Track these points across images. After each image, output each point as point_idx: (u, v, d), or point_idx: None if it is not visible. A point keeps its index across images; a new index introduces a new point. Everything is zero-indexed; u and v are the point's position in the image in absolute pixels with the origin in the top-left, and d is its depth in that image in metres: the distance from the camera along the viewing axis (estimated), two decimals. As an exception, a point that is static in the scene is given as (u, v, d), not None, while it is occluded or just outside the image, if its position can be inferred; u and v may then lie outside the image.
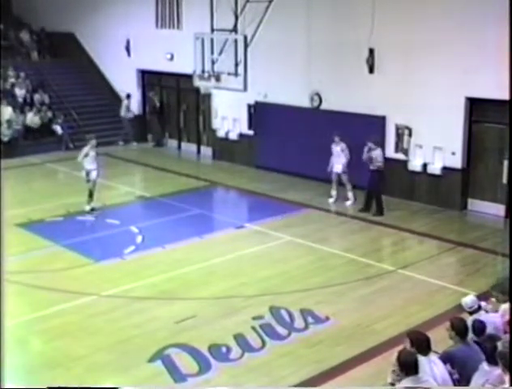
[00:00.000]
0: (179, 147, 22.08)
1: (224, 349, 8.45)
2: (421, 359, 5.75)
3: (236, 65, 14.51)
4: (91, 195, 14.53)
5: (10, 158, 19.81)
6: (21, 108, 21.68)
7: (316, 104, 17.14)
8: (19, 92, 22.26)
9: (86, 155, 14.52)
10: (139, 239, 12.69)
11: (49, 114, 21.88)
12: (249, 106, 18.79)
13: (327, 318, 9.36)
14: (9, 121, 20.77)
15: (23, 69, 23.26)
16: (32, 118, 21.43)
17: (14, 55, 24.22)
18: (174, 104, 22.05)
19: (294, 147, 17.56)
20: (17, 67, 23.16)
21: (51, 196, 16.10)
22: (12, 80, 22.59)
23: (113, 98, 23.78)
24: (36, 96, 22.35)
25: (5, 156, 19.78)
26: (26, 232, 13.34)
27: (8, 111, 21.11)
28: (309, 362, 8.18)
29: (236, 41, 14.54)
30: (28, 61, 24.29)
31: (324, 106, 16.97)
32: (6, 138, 20.40)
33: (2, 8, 22.26)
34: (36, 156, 20.17)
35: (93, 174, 14.52)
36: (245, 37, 14.42)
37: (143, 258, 11.85)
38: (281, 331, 9.02)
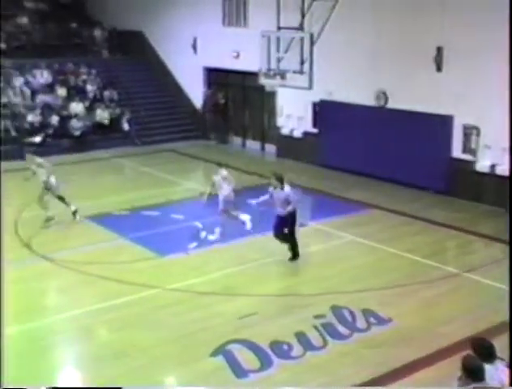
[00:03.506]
0: (243, 144, 22.27)
1: (285, 347, 8.48)
2: (487, 366, 5.64)
3: (302, 63, 14.50)
4: (62, 200, 13.91)
5: (80, 152, 20.52)
6: (91, 104, 22.35)
7: (382, 102, 16.97)
8: (90, 89, 22.96)
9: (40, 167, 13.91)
10: (203, 234, 12.88)
11: (118, 111, 22.47)
12: (314, 104, 18.77)
13: (390, 320, 9.27)
14: (79, 117, 21.47)
15: (95, 66, 23.98)
16: (101, 114, 22.06)
17: (87, 53, 24.97)
18: (239, 101, 22.24)
19: (358, 145, 17.44)
20: (89, 64, 23.90)
21: (118, 190, 16.52)
22: (84, 77, 23.33)
23: (179, 95, 24.19)
24: (106, 93, 23.00)
25: (75, 151, 20.53)
26: (94, 224, 13.76)
27: (79, 107, 21.82)
28: (371, 363, 8.14)
29: (302, 39, 14.54)
30: (99, 59, 25.00)
31: (390, 105, 16.78)
32: (77, 133, 21.10)
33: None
34: (104, 151, 20.75)
35: (52, 180, 13.77)
36: (311, 35, 14.41)
37: (207, 253, 12.03)
38: (343, 330, 9.00)
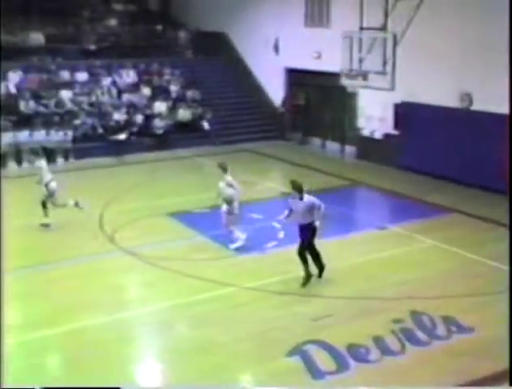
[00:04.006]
0: (323, 145, 22.19)
1: (362, 350, 8.43)
2: None
3: (384, 64, 14.35)
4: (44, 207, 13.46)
5: (162, 150, 21.03)
6: (174, 103, 22.88)
7: (465, 104, 16.51)
8: (174, 89, 23.52)
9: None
10: (281, 234, 12.92)
11: (199, 110, 22.90)
12: (396, 105, 18.48)
13: (471, 329, 9.02)
14: (162, 116, 22.03)
15: (178, 66, 24.55)
16: (184, 114, 22.54)
17: (171, 54, 25.58)
18: (319, 102, 22.19)
19: (440, 148, 17.05)
20: (173, 65, 24.50)
21: (198, 188, 16.78)
22: (168, 77, 23.94)
23: (260, 96, 24.38)
24: (189, 93, 23.50)
25: (157, 149, 21.07)
26: (175, 221, 14.08)
27: (163, 106, 22.40)
28: (450, 372, 7.95)
29: (384, 40, 14.38)
30: (183, 60, 25.56)
31: (474, 106, 16.30)
32: (159, 131, 21.67)
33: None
34: (184, 150, 21.17)
35: (53, 185, 13.46)
36: (395, 36, 14.23)
37: (284, 253, 12.02)
38: (422, 337, 8.83)
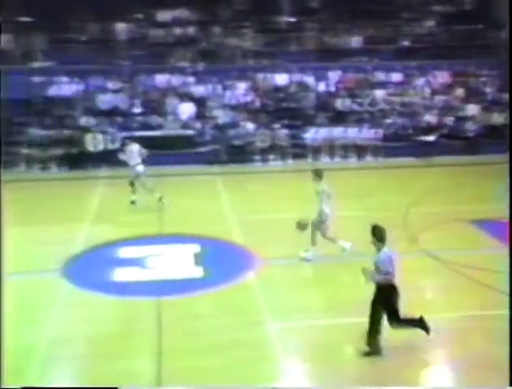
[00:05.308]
0: None
1: None
2: None
3: None
4: (132, 184, 15.38)
5: (471, 155, 20.50)
6: (488, 106, 22.10)
7: None
8: (489, 91, 22.72)
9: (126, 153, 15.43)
10: None
11: (516, 114, 21.75)
12: None
13: None
14: (475, 119, 21.48)
15: (496, 68, 23.61)
16: (498, 117, 21.65)
17: (490, 54, 24.66)
18: None
19: None
20: (490, 66, 23.69)
21: (502, 196, 16.06)
22: (484, 79, 23.22)
23: None
24: (504, 96, 22.46)
25: (466, 153, 20.64)
26: (477, 228, 13.70)
27: (476, 109, 21.86)
28: None
29: None
30: (501, 61, 24.41)
31: None
32: (470, 134, 21.19)
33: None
34: (494, 155, 20.22)
35: (138, 168, 15.24)
36: None
37: None
38: None
